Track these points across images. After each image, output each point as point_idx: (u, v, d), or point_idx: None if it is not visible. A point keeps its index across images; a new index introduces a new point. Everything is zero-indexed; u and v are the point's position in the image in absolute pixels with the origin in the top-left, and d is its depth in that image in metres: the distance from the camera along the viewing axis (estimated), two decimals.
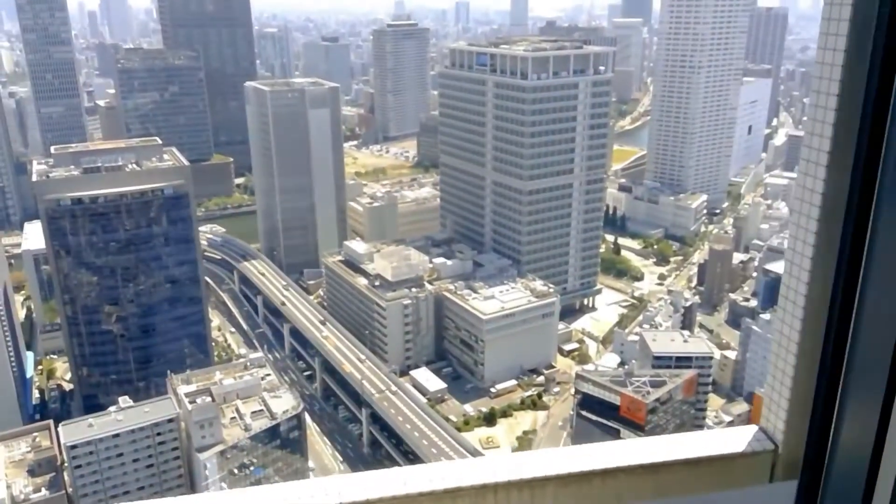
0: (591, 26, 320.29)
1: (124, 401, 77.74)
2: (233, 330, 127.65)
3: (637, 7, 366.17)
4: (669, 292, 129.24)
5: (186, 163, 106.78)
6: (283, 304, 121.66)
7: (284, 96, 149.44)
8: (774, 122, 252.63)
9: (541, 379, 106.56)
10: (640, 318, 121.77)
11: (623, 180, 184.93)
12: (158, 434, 75.83)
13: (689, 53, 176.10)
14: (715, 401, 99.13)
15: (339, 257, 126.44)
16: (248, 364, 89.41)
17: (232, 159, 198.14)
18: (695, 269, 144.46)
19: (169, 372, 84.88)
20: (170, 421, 76.25)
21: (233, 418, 79.71)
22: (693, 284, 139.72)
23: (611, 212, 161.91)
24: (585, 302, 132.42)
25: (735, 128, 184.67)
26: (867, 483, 1.81)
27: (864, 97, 2.00)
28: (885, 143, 1.71)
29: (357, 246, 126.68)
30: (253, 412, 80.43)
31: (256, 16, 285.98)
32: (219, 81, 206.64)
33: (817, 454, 2.06)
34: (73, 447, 69.42)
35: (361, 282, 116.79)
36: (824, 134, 3.11)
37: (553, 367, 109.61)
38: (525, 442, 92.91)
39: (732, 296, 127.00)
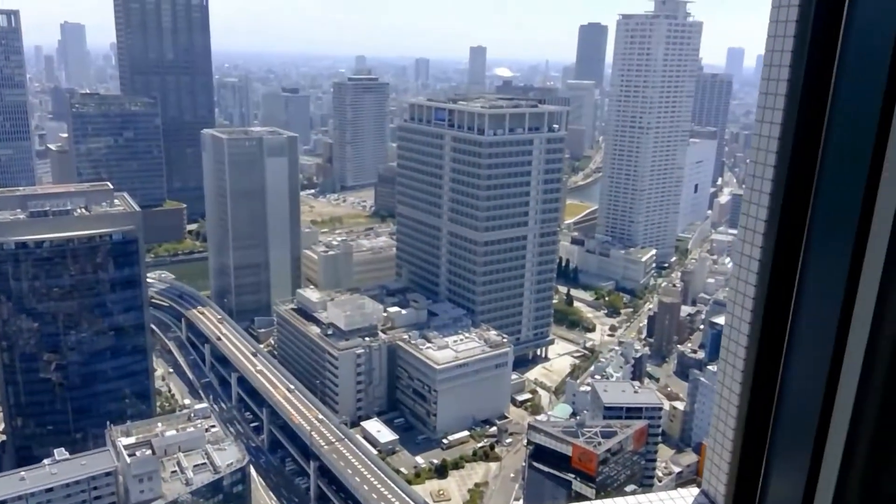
0: (545, 86, 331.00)
1: (60, 453, 74.55)
2: (178, 379, 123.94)
3: (589, 70, 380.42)
4: (620, 343, 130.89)
5: (137, 208, 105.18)
6: (232, 352, 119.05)
7: (242, 144, 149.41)
8: (719, 181, 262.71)
9: (493, 429, 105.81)
10: (592, 368, 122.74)
11: (576, 234, 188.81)
12: (95, 489, 72.69)
13: (639, 115, 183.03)
14: (665, 451, 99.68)
15: (292, 305, 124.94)
16: (193, 415, 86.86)
17: (185, 205, 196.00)
18: (644, 321, 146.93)
19: (108, 423, 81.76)
20: (107, 475, 73.27)
21: (174, 472, 76.88)
22: (643, 336, 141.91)
23: (564, 264, 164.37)
24: (538, 352, 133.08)
25: (682, 186, 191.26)
26: None
27: (794, 161, 2.03)
28: (811, 207, 1.70)
29: (311, 294, 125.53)
30: (195, 465, 77.78)
31: (217, 65, 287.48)
32: (176, 128, 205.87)
33: None
34: (3, 503, 65.84)
35: (314, 330, 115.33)
36: (762, 198, 3.23)
37: (506, 417, 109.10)
38: (477, 494, 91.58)
39: (680, 347, 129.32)
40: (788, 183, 1.81)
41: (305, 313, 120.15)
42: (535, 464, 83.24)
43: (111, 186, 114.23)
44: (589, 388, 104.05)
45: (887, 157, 1.44)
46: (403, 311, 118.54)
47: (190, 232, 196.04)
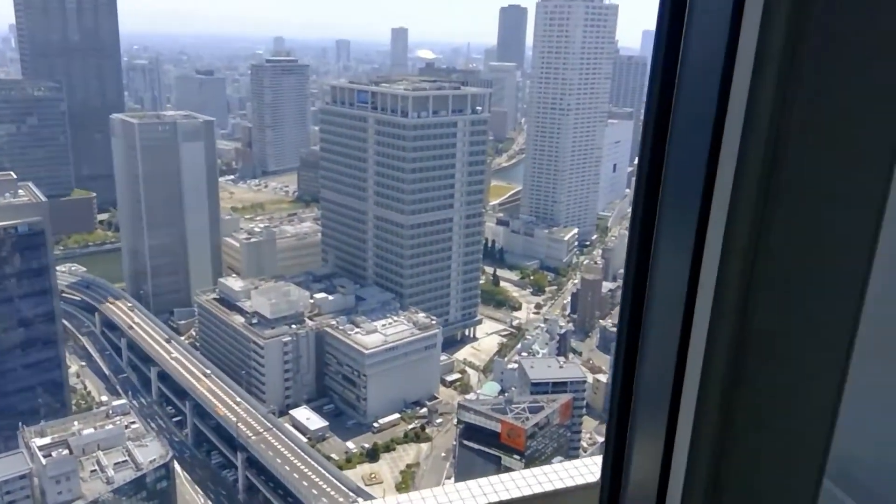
0: (468, 69, 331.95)
1: None
2: (94, 375, 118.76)
3: (511, 52, 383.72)
4: (545, 320, 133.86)
5: (43, 198, 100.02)
6: (150, 345, 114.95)
7: (154, 129, 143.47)
8: (636, 160, 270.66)
9: (424, 411, 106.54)
10: (519, 346, 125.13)
11: (501, 215, 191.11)
12: (8, 493, 69.25)
13: (559, 97, 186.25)
14: (589, 422, 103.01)
15: (214, 295, 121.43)
16: (111, 412, 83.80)
17: (95, 194, 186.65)
18: (568, 298, 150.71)
19: (21, 424, 77.71)
20: (21, 477, 69.76)
21: (93, 471, 74.07)
22: (567, 312, 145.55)
23: (490, 245, 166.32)
24: (467, 332, 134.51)
25: (601, 165, 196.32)
26: None
27: (653, 140, 1.96)
28: (661, 188, 1.74)
29: (233, 283, 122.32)
30: (116, 463, 75.22)
31: (126, 47, 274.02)
32: (83, 114, 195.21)
33: (614, 485, 2.09)
34: None
35: (238, 320, 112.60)
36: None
37: (436, 398, 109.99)
38: (409, 475, 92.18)
39: (603, 322, 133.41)
40: (646, 160, 1.84)
41: (228, 303, 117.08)
42: (466, 442, 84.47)
43: (14, 176, 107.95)
44: (516, 366, 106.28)
45: (724, 140, 1.47)
46: (330, 297, 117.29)
47: (101, 222, 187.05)
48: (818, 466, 1.65)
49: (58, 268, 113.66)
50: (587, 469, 6.88)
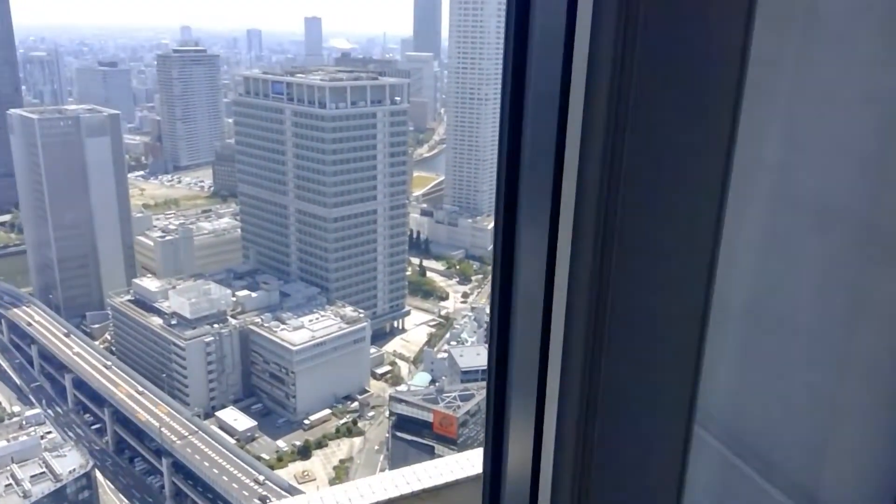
0: (385, 59, 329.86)
1: None
2: (3, 385, 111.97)
3: (427, 42, 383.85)
4: (473, 309, 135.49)
5: None
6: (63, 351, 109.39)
7: (56, 124, 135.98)
8: None
9: (355, 405, 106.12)
10: (448, 335, 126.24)
11: (425, 205, 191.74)
12: None
13: (476, 86, 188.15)
14: None
15: (129, 297, 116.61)
16: (24, 423, 79.92)
17: None
18: None
19: None
20: None
21: (8, 485, 70.31)
22: None
23: (415, 236, 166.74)
24: (395, 324, 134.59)
25: None
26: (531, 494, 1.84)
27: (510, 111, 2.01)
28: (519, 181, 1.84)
29: (149, 283, 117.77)
30: (32, 476, 71.67)
31: (21, 39, 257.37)
32: None
33: (495, 476, 2.14)
34: None
35: (156, 321, 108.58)
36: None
37: (367, 391, 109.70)
38: (342, 471, 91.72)
39: None
40: (505, 142, 1.94)
41: (145, 304, 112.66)
42: (399, 434, 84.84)
43: None
44: (446, 355, 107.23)
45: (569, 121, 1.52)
46: (254, 295, 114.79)
47: (2, 224, 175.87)
48: (686, 422, 1.69)
49: None
50: (472, 461, 7.19)
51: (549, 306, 1.66)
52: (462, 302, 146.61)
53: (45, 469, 72.43)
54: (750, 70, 1.41)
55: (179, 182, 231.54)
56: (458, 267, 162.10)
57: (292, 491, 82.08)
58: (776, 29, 2.21)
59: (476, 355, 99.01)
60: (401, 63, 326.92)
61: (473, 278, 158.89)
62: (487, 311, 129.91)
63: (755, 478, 2.75)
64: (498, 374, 1.97)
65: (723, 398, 2.83)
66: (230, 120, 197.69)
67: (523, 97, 1.78)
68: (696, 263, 1.57)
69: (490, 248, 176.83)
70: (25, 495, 69.00)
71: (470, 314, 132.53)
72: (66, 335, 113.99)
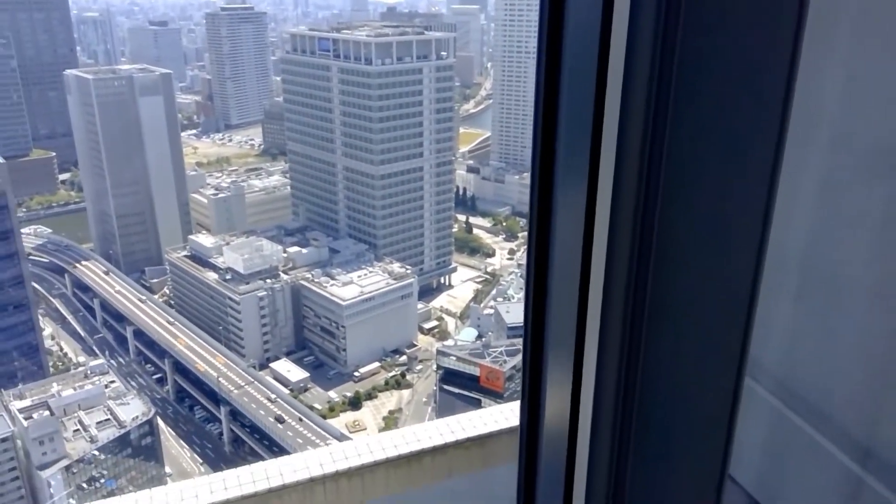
0: (430, 12, 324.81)
1: None
2: (69, 337, 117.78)
3: None
4: (519, 266, 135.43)
5: (1, 160, 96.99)
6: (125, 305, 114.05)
7: (110, 84, 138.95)
8: None
9: (403, 358, 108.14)
10: (494, 291, 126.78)
11: (471, 161, 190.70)
12: None
13: (524, 39, 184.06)
14: None
15: (185, 253, 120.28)
16: (89, 372, 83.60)
17: (54, 154, 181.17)
18: None
19: None
20: (3, 440, 69.70)
21: (76, 431, 74.30)
22: None
23: (461, 192, 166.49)
24: (442, 280, 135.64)
25: None
26: (568, 452, 1.82)
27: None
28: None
29: (204, 240, 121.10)
30: (98, 422, 75.46)
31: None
32: (35, 70, 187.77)
33: (532, 429, 2.13)
34: None
35: (211, 276, 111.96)
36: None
37: (415, 345, 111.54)
38: (391, 421, 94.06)
39: None
40: (541, 103, 1.88)
41: (200, 260, 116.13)
42: (446, 387, 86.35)
43: None
44: (492, 311, 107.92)
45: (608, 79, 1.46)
46: (304, 251, 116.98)
47: (63, 182, 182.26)
48: (736, 371, 1.64)
49: (23, 230, 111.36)
50: (512, 413, 7.39)
51: (588, 256, 1.60)
52: (508, 258, 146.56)
53: (109, 416, 76.18)
54: (809, 17, 1.36)
55: (230, 141, 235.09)
56: (504, 223, 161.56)
57: (344, 440, 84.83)
58: None
59: (522, 311, 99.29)
60: (447, 16, 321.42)
61: (520, 235, 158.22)
62: None
63: (806, 429, 2.76)
64: (535, 326, 1.96)
65: (774, 349, 2.86)
66: (278, 78, 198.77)
67: (561, 48, 1.75)
68: (750, 210, 1.50)
69: None
70: (92, 440, 72.96)
71: (516, 270, 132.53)
72: (127, 289, 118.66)
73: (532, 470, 2.09)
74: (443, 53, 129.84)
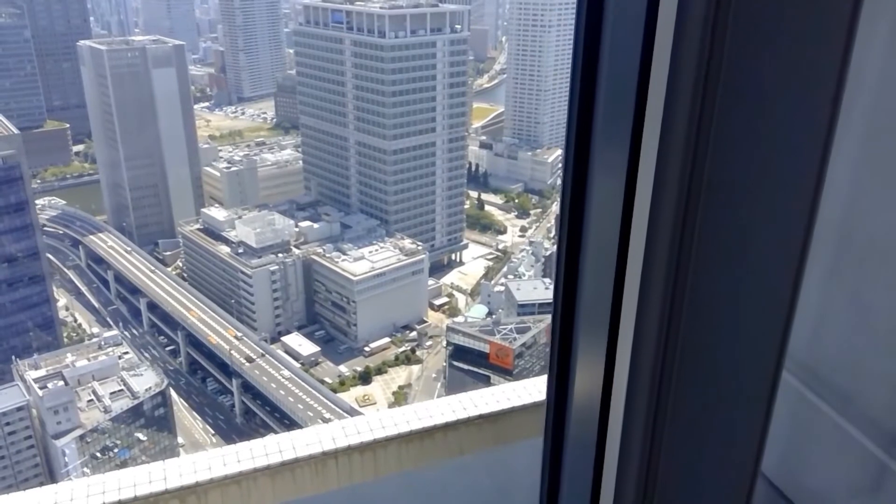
0: None
1: None
2: (83, 308, 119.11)
3: None
4: (531, 243, 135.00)
5: (16, 130, 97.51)
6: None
7: (124, 55, 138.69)
8: None
9: (413, 334, 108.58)
10: (505, 269, 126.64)
11: (484, 137, 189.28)
12: (7, 424, 70.39)
13: (540, 13, 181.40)
14: None
15: (198, 226, 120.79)
16: (103, 343, 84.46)
17: (68, 125, 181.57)
18: (553, 220, 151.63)
19: (14, 358, 78.39)
20: (19, 409, 70.87)
21: (90, 401, 75.40)
22: (552, 234, 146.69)
23: (473, 168, 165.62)
24: (453, 257, 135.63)
25: None
26: (599, 430, 1.80)
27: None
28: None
29: (216, 213, 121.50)
30: (112, 393, 76.50)
31: None
32: (48, 41, 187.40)
33: (559, 404, 2.10)
34: None
35: (224, 250, 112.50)
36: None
37: (425, 321, 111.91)
38: (401, 396, 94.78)
39: None
40: (577, 82, 1.84)
41: (213, 233, 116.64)
42: (455, 363, 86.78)
43: None
44: (503, 288, 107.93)
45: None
46: (316, 226, 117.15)
47: (77, 153, 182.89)
48: (775, 364, 1.62)
49: (37, 202, 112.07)
50: (535, 388, 7.27)
51: (626, 236, 1.56)
52: (520, 236, 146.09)
53: (123, 387, 77.20)
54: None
55: (243, 114, 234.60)
56: (516, 200, 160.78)
57: (354, 413, 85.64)
58: None
59: (533, 289, 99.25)
60: None
61: (532, 212, 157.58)
62: (545, 245, 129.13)
63: (833, 416, 2.67)
64: (565, 300, 1.93)
65: (799, 333, 2.72)
66: (291, 50, 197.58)
67: (600, 37, 1.70)
68: (797, 201, 1.45)
69: (550, 181, 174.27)
70: (106, 410, 74.04)
71: (528, 248, 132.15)
72: (140, 261, 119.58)
73: (559, 446, 2.08)
74: (457, 26, 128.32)
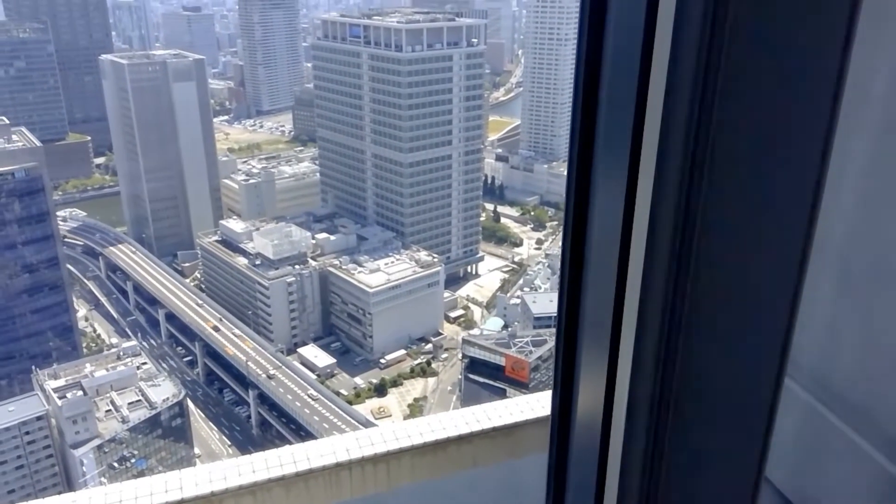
0: None
1: None
2: (102, 319, 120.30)
3: None
4: (546, 256, 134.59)
5: (38, 143, 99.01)
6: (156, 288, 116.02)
7: (145, 69, 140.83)
8: None
9: (429, 346, 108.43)
10: (521, 281, 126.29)
11: (500, 150, 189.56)
12: (27, 433, 71.12)
13: (556, 26, 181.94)
14: None
15: (216, 237, 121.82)
16: (122, 353, 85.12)
17: (90, 138, 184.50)
18: None
19: (34, 367, 79.23)
20: (38, 419, 71.56)
21: (108, 411, 75.92)
22: None
23: (489, 181, 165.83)
24: (469, 269, 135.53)
25: None
26: (601, 444, 1.80)
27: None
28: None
29: (234, 225, 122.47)
30: (130, 403, 76.95)
31: None
32: (71, 55, 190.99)
33: (563, 418, 2.12)
34: None
35: (241, 261, 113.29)
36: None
37: (440, 334, 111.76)
38: (416, 409, 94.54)
39: None
40: (580, 92, 1.86)
41: (231, 245, 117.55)
42: (471, 376, 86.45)
43: (7, 121, 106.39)
44: (519, 301, 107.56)
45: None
46: (332, 237, 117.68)
47: (98, 166, 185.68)
48: (777, 370, 1.60)
49: (58, 213, 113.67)
50: (539, 403, 7.29)
51: (626, 245, 1.55)
52: (536, 248, 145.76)
53: (140, 397, 77.68)
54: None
55: (261, 127, 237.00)
56: (532, 213, 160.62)
57: (370, 426, 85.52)
58: None
59: (549, 302, 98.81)
60: (478, 3, 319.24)
61: (548, 225, 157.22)
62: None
63: (844, 430, 2.64)
64: (569, 315, 1.93)
65: (811, 345, 2.70)
66: (309, 64, 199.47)
67: (604, 25, 1.72)
68: (796, 205, 1.44)
69: None
70: (124, 420, 74.53)
71: (544, 261, 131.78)
72: (159, 272, 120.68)
73: (563, 460, 2.08)
74: (473, 40, 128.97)
